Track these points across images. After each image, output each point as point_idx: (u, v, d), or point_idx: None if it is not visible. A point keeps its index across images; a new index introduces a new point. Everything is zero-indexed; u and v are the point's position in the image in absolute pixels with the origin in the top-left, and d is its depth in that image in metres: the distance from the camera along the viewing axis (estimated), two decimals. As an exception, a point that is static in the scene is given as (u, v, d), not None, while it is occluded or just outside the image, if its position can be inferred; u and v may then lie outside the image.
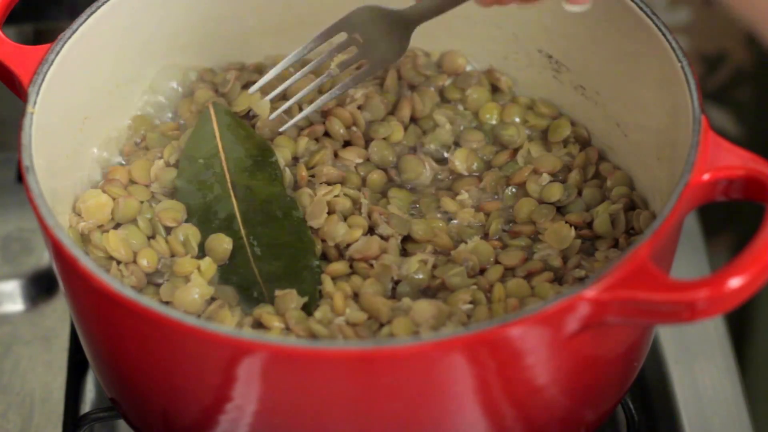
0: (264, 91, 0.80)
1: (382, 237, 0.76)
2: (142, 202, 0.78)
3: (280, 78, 0.80)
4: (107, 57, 0.79)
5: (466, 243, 0.76)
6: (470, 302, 0.72)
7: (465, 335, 0.63)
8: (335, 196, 0.78)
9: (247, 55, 0.86)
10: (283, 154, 0.79)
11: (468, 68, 0.85)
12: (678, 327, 0.88)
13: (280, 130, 0.80)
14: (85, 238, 0.76)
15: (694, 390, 0.86)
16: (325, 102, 0.80)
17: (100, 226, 0.77)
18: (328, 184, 0.79)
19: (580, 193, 0.79)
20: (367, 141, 0.82)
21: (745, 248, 0.62)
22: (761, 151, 0.69)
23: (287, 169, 0.79)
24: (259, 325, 0.72)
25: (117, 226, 0.77)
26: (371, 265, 0.75)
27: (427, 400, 0.66)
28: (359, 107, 0.82)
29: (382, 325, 0.71)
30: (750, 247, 0.62)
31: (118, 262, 0.75)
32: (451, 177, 0.81)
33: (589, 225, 0.78)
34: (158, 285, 0.75)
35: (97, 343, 0.73)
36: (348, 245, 0.76)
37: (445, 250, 0.76)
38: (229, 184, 0.77)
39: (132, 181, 0.79)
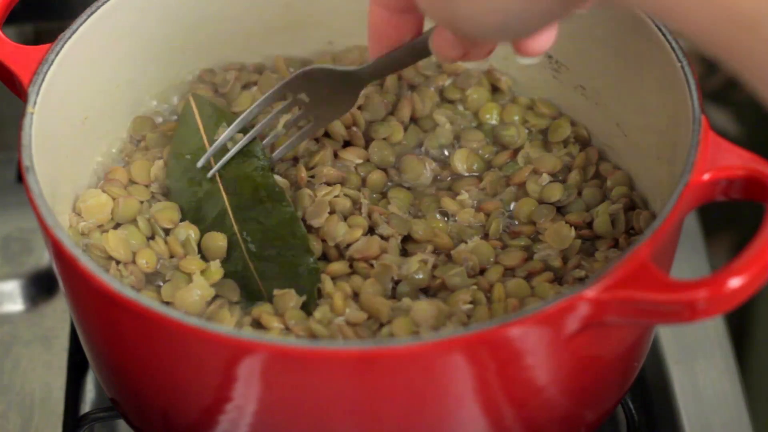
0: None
1: (382, 237, 0.76)
2: (141, 202, 0.78)
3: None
4: (107, 57, 0.79)
5: (466, 243, 0.76)
6: (470, 302, 0.72)
7: (465, 335, 0.63)
8: (335, 197, 0.78)
9: (247, 55, 0.86)
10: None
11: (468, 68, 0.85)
12: (678, 327, 0.88)
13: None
14: (85, 238, 0.76)
15: (694, 390, 0.86)
16: (275, 160, 0.79)
17: (99, 226, 0.77)
18: (328, 184, 0.79)
19: (580, 193, 0.79)
20: (367, 141, 0.81)
21: (745, 248, 0.62)
22: (761, 151, 0.69)
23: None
24: (258, 325, 0.72)
25: (117, 226, 0.77)
26: (371, 265, 0.75)
27: (427, 400, 0.66)
28: (359, 107, 0.82)
29: (382, 325, 0.71)
30: (750, 247, 0.62)
31: (118, 262, 0.75)
32: (451, 177, 0.81)
33: (589, 225, 0.78)
34: (157, 285, 0.75)
35: (97, 343, 0.73)
36: (348, 245, 0.76)
37: (445, 250, 0.76)
38: (218, 178, 0.77)
39: (132, 181, 0.79)
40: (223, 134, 0.78)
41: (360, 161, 0.80)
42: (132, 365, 0.71)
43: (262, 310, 0.72)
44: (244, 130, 0.79)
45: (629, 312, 0.64)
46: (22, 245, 0.93)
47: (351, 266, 0.75)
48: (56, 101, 0.75)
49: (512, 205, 0.79)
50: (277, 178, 0.78)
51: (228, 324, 0.71)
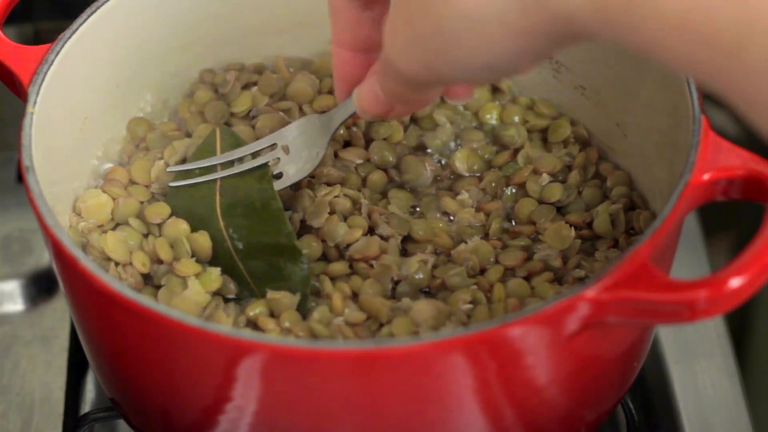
0: None
1: (382, 237, 0.76)
2: (142, 203, 0.78)
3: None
4: (107, 57, 0.79)
5: (466, 243, 0.76)
6: (470, 302, 0.72)
7: (465, 335, 0.63)
8: (335, 197, 0.78)
9: (247, 55, 0.86)
10: None
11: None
12: (678, 327, 0.88)
13: None
14: (85, 238, 0.76)
15: (694, 390, 0.86)
16: None
17: (100, 226, 0.77)
18: (328, 184, 0.78)
19: (580, 193, 0.79)
20: (367, 141, 0.81)
21: (745, 248, 0.62)
22: (761, 151, 0.69)
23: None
24: (255, 326, 0.72)
25: (116, 226, 0.77)
26: (371, 266, 0.75)
27: (427, 400, 0.66)
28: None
29: (381, 325, 0.71)
30: (750, 247, 0.62)
31: (117, 264, 0.75)
32: (451, 177, 0.81)
33: (589, 225, 0.78)
34: (156, 287, 0.75)
35: (97, 343, 0.73)
36: (348, 245, 0.76)
37: (445, 250, 0.76)
38: (217, 185, 0.77)
39: (132, 182, 0.79)
40: (209, 177, 0.77)
41: (360, 161, 0.80)
42: (132, 365, 0.71)
43: (258, 312, 0.72)
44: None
45: (629, 312, 0.64)
46: (22, 245, 0.93)
47: (351, 266, 0.75)
48: (56, 101, 0.75)
49: (512, 205, 0.79)
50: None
51: (225, 324, 0.71)
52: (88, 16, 0.77)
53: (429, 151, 0.82)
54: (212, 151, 0.79)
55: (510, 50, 0.56)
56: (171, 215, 0.76)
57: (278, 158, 0.77)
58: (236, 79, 0.84)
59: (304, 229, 0.77)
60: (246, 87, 0.84)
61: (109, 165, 0.81)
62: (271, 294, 0.73)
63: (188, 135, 0.82)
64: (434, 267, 0.75)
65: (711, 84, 0.53)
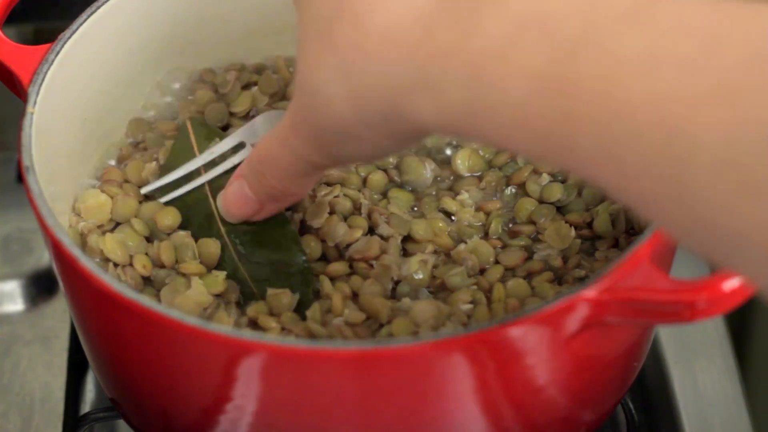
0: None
1: (382, 237, 0.76)
2: (140, 202, 0.78)
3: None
4: (107, 57, 0.79)
5: (466, 243, 0.76)
6: (470, 302, 0.72)
7: (465, 335, 0.63)
8: (335, 197, 0.78)
9: (247, 55, 0.86)
10: None
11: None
12: (678, 327, 0.88)
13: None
14: (84, 238, 0.76)
15: (694, 390, 0.86)
16: None
17: (99, 226, 0.77)
18: (328, 184, 0.78)
19: (580, 193, 0.79)
20: (367, 141, 0.81)
21: (745, 248, 0.62)
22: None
23: None
24: (255, 326, 0.72)
25: (116, 226, 0.77)
26: (371, 266, 0.75)
27: (427, 400, 0.66)
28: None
29: (381, 326, 0.71)
30: (750, 247, 0.62)
31: (116, 265, 0.75)
32: (451, 177, 0.81)
33: (590, 225, 0.78)
34: (157, 288, 0.75)
35: (97, 343, 0.73)
36: (348, 245, 0.76)
37: (445, 250, 0.76)
38: (207, 188, 0.77)
39: (126, 181, 0.79)
40: (179, 170, 0.77)
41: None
42: (132, 365, 0.71)
43: (258, 311, 0.72)
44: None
45: (629, 312, 0.64)
46: (22, 245, 0.93)
47: (351, 266, 0.75)
48: (56, 101, 0.75)
49: (512, 205, 0.79)
50: None
51: (226, 325, 0.71)
52: (88, 16, 0.77)
53: (429, 151, 0.82)
54: (188, 147, 0.78)
55: (384, 146, 0.63)
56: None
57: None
58: (236, 79, 0.84)
59: (304, 229, 0.77)
60: (246, 87, 0.84)
61: (109, 165, 0.81)
62: (270, 291, 0.73)
63: (188, 135, 0.82)
64: (434, 267, 0.75)
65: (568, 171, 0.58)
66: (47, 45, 0.75)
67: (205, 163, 0.77)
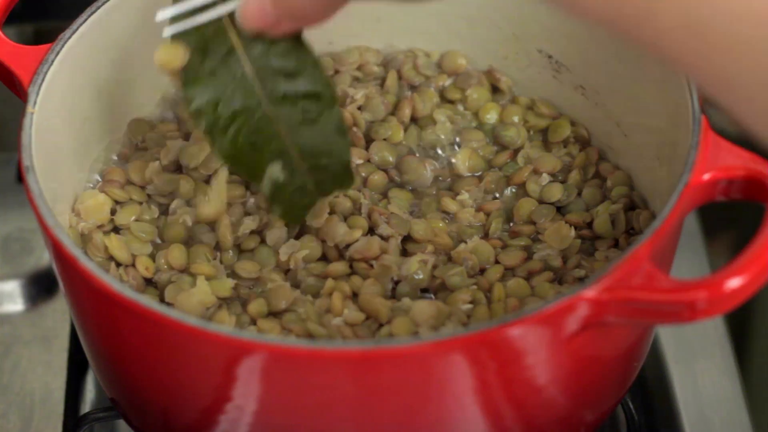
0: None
1: (382, 237, 0.76)
2: (141, 203, 0.78)
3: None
4: (107, 57, 0.79)
5: (466, 243, 0.76)
6: (470, 302, 0.72)
7: (465, 335, 0.63)
8: (335, 197, 0.78)
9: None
10: None
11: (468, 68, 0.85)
12: (678, 327, 0.88)
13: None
14: (85, 238, 0.76)
15: (694, 390, 0.86)
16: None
17: (99, 227, 0.77)
18: (328, 184, 0.78)
19: (580, 193, 0.79)
20: (368, 141, 0.81)
21: (745, 248, 0.62)
22: (761, 151, 0.69)
23: None
24: (255, 323, 0.72)
25: (116, 229, 0.77)
26: (371, 266, 0.75)
27: (427, 400, 0.66)
28: (359, 108, 0.82)
29: (381, 326, 0.71)
30: (750, 247, 0.62)
31: (118, 265, 0.75)
32: (451, 177, 0.81)
33: (589, 225, 0.78)
34: (159, 289, 0.75)
35: (97, 343, 0.73)
36: (348, 245, 0.76)
37: (445, 250, 0.76)
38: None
39: (129, 182, 0.79)
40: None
41: (360, 161, 0.80)
42: (132, 365, 0.71)
43: (258, 312, 0.72)
44: None
45: (629, 312, 0.64)
46: (22, 245, 0.93)
47: (351, 266, 0.75)
48: (56, 101, 0.75)
49: (512, 205, 0.79)
50: None
51: (228, 325, 0.71)
52: (88, 16, 0.77)
53: (429, 151, 0.82)
54: (221, 29, 0.70)
55: None
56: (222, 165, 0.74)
57: None
58: None
59: (304, 229, 0.77)
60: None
61: (109, 165, 0.81)
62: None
63: (188, 135, 0.82)
64: (434, 267, 0.75)
65: (683, 68, 0.57)
66: (47, 45, 0.75)
67: None
